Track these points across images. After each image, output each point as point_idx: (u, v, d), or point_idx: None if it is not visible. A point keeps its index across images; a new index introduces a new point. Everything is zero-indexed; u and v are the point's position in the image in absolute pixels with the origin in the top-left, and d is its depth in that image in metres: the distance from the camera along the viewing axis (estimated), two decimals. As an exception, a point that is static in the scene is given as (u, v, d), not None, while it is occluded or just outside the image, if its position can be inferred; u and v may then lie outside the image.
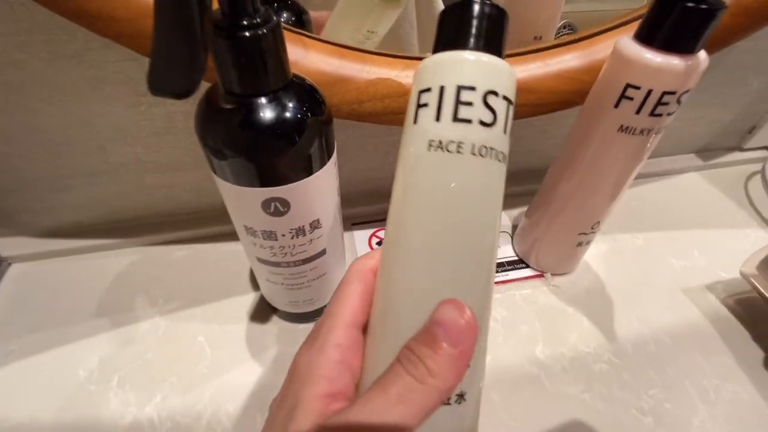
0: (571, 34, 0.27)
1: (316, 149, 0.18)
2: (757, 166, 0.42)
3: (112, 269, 0.32)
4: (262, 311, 0.29)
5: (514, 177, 0.39)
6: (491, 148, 0.14)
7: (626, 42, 0.21)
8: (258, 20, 0.15)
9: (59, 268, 0.32)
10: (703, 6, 0.18)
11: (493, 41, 0.15)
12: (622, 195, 0.26)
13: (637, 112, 0.21)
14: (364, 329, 0.16)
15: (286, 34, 0.22)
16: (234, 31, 0.15)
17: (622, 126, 0.22)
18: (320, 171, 0.19)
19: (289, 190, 0.18)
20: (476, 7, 0.14)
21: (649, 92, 0.20)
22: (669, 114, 0.21)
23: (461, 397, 0.15)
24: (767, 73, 0.37)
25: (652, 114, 0.21)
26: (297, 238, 0.21)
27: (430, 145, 0.14)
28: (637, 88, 0.20)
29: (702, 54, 0.20)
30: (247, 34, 0.15)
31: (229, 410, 0.24)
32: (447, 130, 0.14)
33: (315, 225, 0.21)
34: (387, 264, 0.15)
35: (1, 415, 0.24)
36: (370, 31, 0.29)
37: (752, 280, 0.29)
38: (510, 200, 0.38)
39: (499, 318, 0.29)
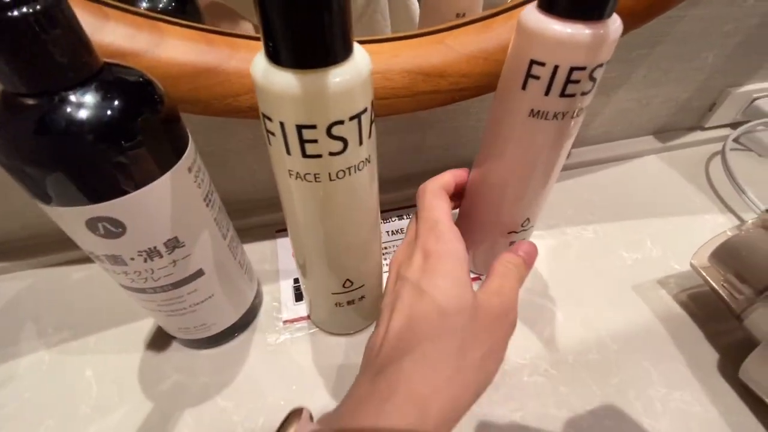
0: (487, 11, 0.24)
1: (145, 154, 0.15)
2: (719, 146, 0.40)
3: (-1, 297, 0.28)
4: (161, 338, 0.26)
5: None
6: (349, 168, 0.16)
7: (529, 12, 0.17)
8: (21, -4, 0.12)
9: (-62, 299, 0.28)
10: None
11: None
12: (549, 188, 0.24)
13: (546, 93, 0.18)
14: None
15: (138, 21, 0.19)
16: (-15, 11, 0.12)
17: (532, 110, 0.19)
18: (159, 180, 0.16)
19: (115, 207, 0.15)
20: None
21: (556, 68, 0.17)
22: (583, 93, 0.18)
23: None
24: (722, 45, 0.34)
25: (563, 95, 0.18)
26: (152, 261, 0.18)
27: (290, 174, 0.16)
28: (542, 64, 0.17)
29: (613, 20, 0.17)
30: (8, 15, 0.12)
31: (108, 457, 0.21)
32: (298, 164, 0.15)
33: (173, 244, 0.18)
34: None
35: None
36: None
37: (703, 272, 0.26)
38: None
39: (428, 330, 0.26)
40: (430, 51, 0.23)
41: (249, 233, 0.31)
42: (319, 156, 0.15)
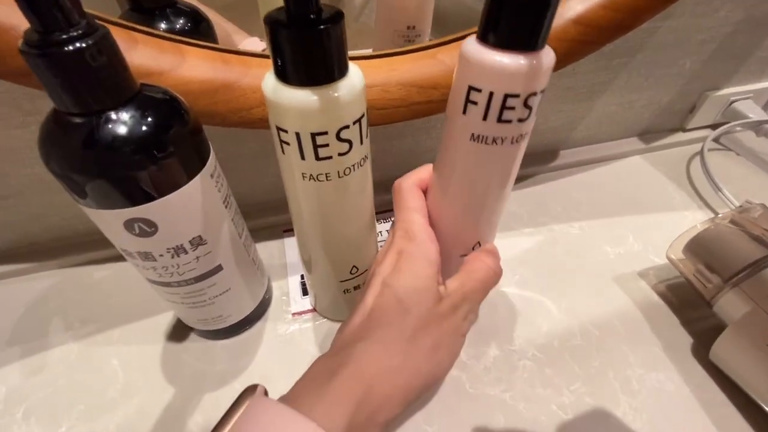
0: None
1: (175, 162, 0.17)
2: (699, 147, 0.42)
3: (27, 294, 0.30)
4: (181, 330, 0.28)
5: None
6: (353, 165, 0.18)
7: (469, 41, 0.18)
8: (76, 33, 0.14)
9: (-27, 297, 0.31)
10: None
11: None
12: (498, 211, 0.23)
13: (484, 118, 0.18)
14: None
15: (163, 43, 0.21)
16: (47, 47, 0.14)
17: (473, 135, 0.19)
18: (187, 186, 0.18)
19: (149, 209, 0.17)
20: None
21: (491, 95, 0.17)
22: (521, 120, 0.18)
23: None
24: (698, 53, 0.37)
25: (500, 120, 0.18)
26: (178, 257, 0.20)
27: (304, 176, 0.18)
28: (479, 90, 0.17)
29: (546, 51, 0.17)
30: (65, 49, 0.14)
31: (136, 436, 0.23)
32: (312, 167, 0.18)
33: (197, 242, 0.20)
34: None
35: None
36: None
37: (678, 264, 0.29)
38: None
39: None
40: (424, 65, 0.25)
41: (259, 233, 0.33)
42: (330, 158, 0.17)
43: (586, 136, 0.41)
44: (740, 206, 0.30)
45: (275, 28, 0.14)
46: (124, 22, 0.21)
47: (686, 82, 0.39)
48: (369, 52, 0.33)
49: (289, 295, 0.30)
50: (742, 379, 0.24)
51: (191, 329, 0.28)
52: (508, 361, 0.26)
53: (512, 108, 0.17)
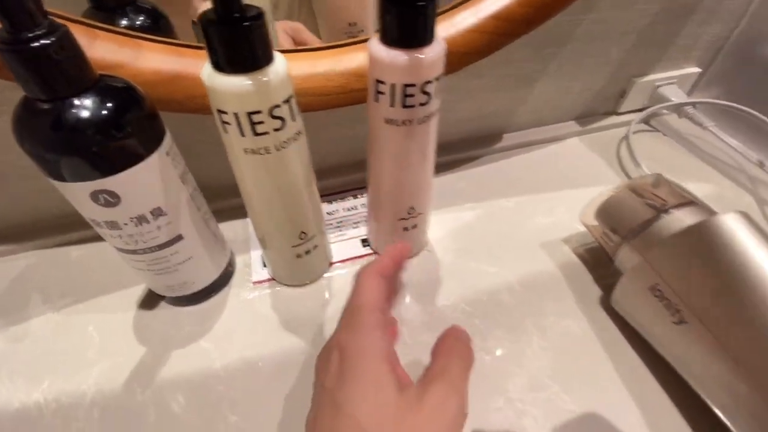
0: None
1: (132, 142, 0.20)
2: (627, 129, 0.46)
3: (8, 274, 0.33)
4: (150, 299, 0.31)
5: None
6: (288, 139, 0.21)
7: (373, 40, 0.21)
8: (41, 32, 0.17)
9: (-45, 277, 0.33)
10: (418, 3, 0.19)
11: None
12: (424, 181, 0.28)
13: (392, 105, 0.22)
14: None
15: (121, 38, 0.24)
16: (16, 44, 0.17)
17: (386, 119, 0.23)
18: (144, 162, 0.21)
19: (112, 181, 0.21)
20: None
21: (393, 86, 0.21)
22: (422, 104, 0.22)
23: None
24: (622, 42, 0.41)
25: (405, 106, 0.22)
26: (141, 225, 0.23)
27: (246, 151, 0.22)
28: (383, 83, 0.21)
29: (435, 45, 0.21)
30: (31, 45, 0.17)
31: (112, 386, 0.27)
32: (252, 142, 0.21)
33: (158, 212, 0.23)
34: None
35: None
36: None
37: (590, 227, 0.33)
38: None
39: (373, 283, 0.32)
40: (361, 56, 0.28)
41: (225, 213, 0.36)
42: (267, 133, 0.21)
43: (528, 120, 0.45)
44: (644, 176, 0.34)
45: (207, 26, 0.17)
46: (84, 20, 0.23)
47: (615, 70, 0.43)
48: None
49: (251, 266, 0.33)
50: (633, 319, 0.28)
51: (161, 299, 0.31)
52: (442, 314, 0.30)
53: (412, 95, 0.21)
